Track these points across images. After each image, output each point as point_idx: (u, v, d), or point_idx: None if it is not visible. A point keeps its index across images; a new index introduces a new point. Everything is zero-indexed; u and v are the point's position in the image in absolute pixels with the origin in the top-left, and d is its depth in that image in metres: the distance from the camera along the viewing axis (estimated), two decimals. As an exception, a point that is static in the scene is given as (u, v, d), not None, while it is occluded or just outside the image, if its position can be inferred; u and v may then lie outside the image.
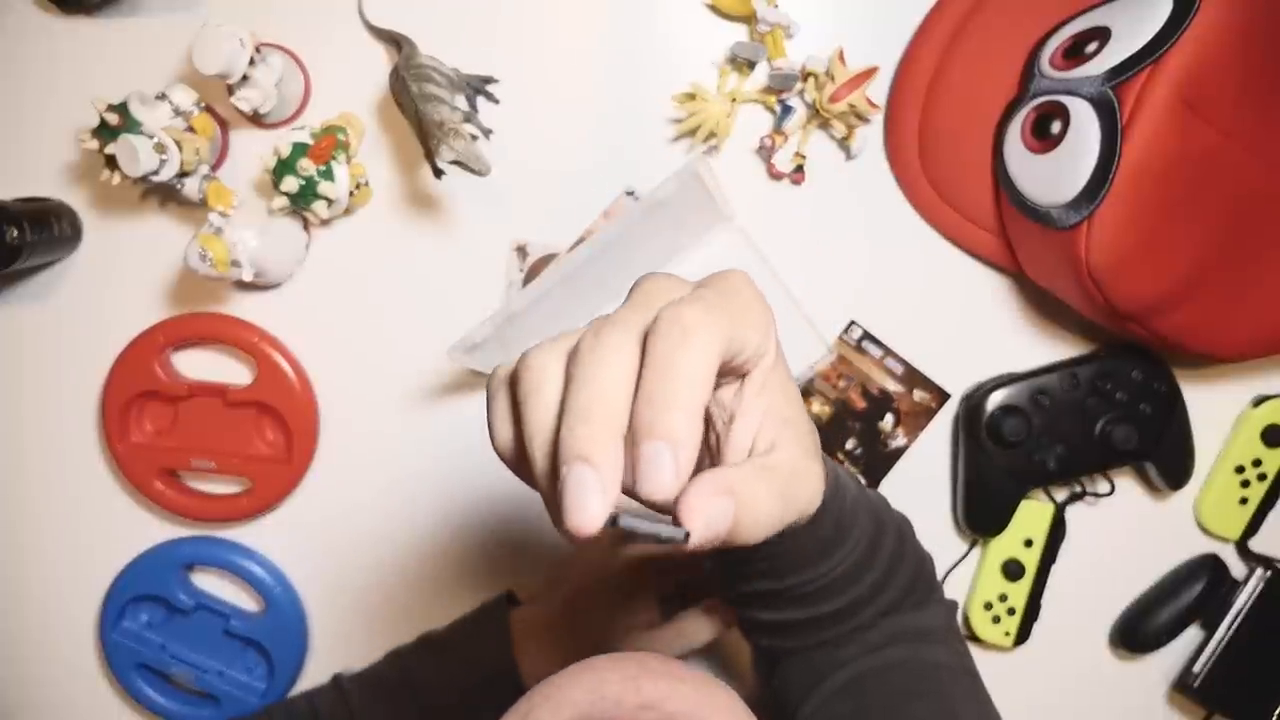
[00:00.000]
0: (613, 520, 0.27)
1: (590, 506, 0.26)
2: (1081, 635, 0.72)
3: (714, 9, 0.65)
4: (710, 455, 0.36)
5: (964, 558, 0.71)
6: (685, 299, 0.29)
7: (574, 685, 0.33)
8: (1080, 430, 0.65)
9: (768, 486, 0.30)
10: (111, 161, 0.61)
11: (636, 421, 0.27)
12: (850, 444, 0.69)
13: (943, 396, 0.68)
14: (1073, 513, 0.70)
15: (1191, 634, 0.70)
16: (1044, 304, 0.67)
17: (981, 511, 0.68)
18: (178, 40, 0.66)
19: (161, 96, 0.62)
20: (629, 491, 0.28)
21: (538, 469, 0.29)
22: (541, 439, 0.29)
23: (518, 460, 0.31)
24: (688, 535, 0.27)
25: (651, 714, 0.31)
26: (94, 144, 0.61)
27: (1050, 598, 0.69)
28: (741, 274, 0.32)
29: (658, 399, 0.27)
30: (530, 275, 0.67)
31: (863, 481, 0.69)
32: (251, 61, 0.61)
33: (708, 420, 0.35)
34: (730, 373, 0.33)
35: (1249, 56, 0.55)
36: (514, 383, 0.30)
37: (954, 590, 0.70)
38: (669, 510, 0.28)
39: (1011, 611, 0.69)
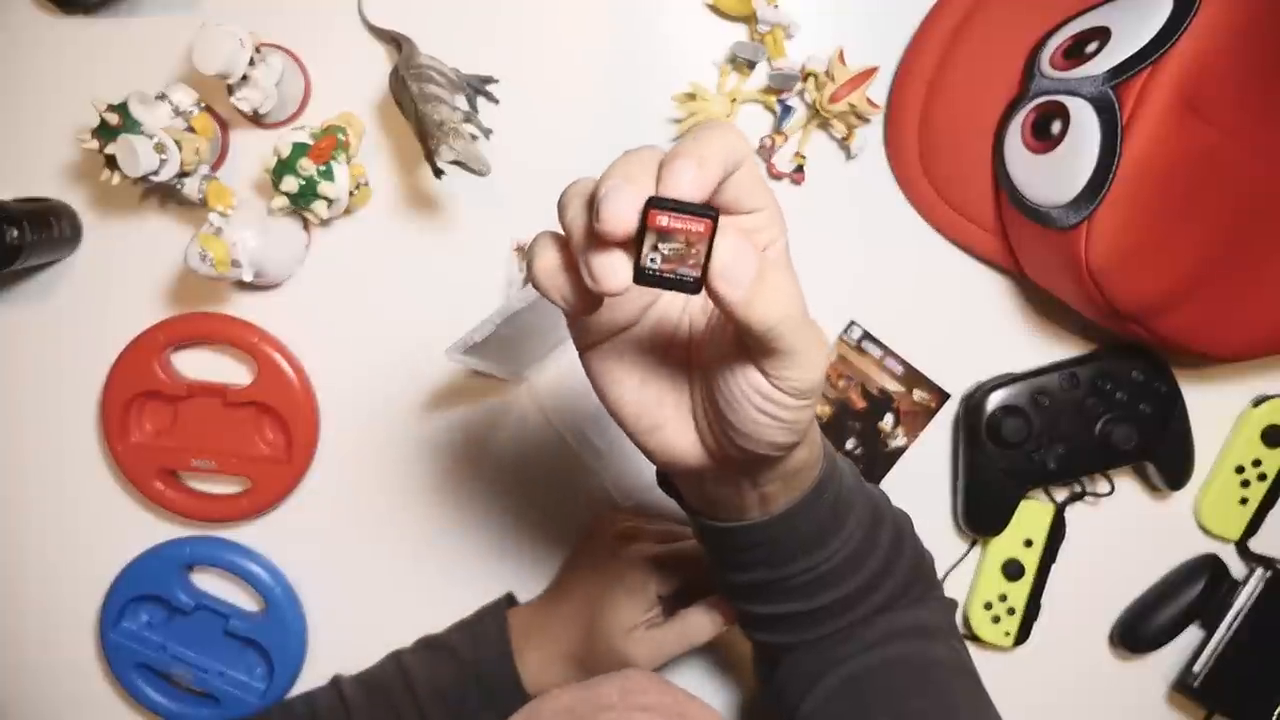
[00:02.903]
0: (647, 208, 0.29)
1: (623, 196, 0.29)
2: (1081, 635, 0.72)
3: (714, 9, 0.65)
4: None
5: (964, 558, 0.71)
6: None
7: (573, 695, 0.34)
8: (1080, 430, 0.65)
9: (789, 279, 0.32)
10: (111, 161, 0.61)
11: (666, 155, 0.30)
12: (850, 444, 0.69)
13: (943, 396, 0.68)
14: (1073, 513, 0.70)
15: (1191, 634, 0.70)
16: (1044, 304, 0.67)
17: (981, 511, 0.68)
18: (178, 40, 0.66)
19: (161, 96, 0.62)
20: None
21: (576, 231, 0.32)
22: (579, 208, 0.32)
23: (559, 266, 0.33)
24: (717, 215, 0.29)
25: (647, 716, 0.33)
26: (94, 144, 0.61)
27: (1050, 598, 0.69)
28: None
29: (687, 141, 0.30)
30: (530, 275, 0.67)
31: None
32: (251, 61, 0.61)
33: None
34: None
35: (1249, 56, 0.55)
36: (559, 204, 0.33)
37: (954, 590, 0.70)
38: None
39: (1011, 611, 0.69)
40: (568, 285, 0.33)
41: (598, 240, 0.30)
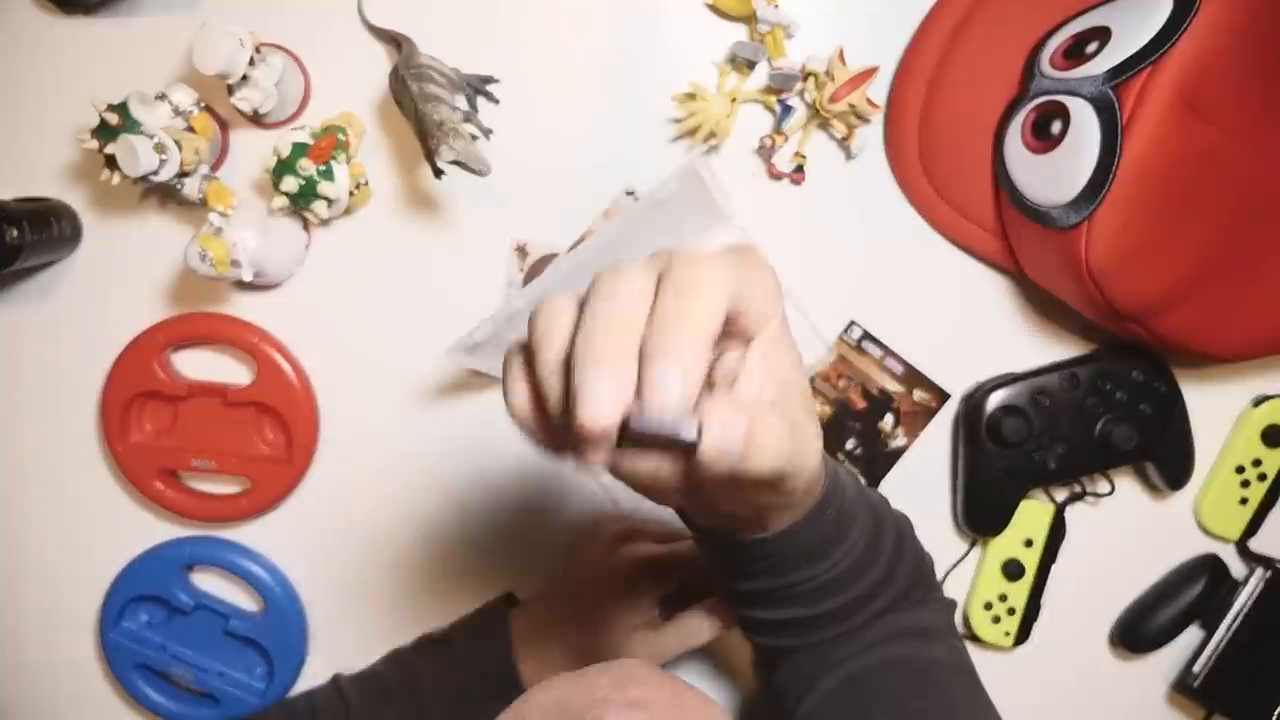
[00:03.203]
0: (623, 428, 0.28)
1: (603, 399, 0.27)
2: (1081, 635, 0.72)
3: (714, 9, 0.65)
4: None
5: (964, 558, 0.71)
6: (698, 252, 0.31)
7: (564, 687, 0.34)
8: (1080, 430, 0.65)
9: (779, 422, 0.30)
10: (111, 161, 0.61)
11: (647, 347, 0.28)
12: (850, 444, 0.69)
13: (943, 396, 0.68)
14: (1073, 513, 0.70)
15: (1191, 634, 0.70)
16: (1044, 304, 0.67)
17: (981, 511, 0.68)
18: (178, 40, 0.66)
19: (161, 96, 0.62)
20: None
21: (552, 397, 0.30)
22: (555, 364, 0.30)
23: (534, 413, 0.31)
24: (700, 433, 0.28)
25: (637, 713, 0.33)
26: (94, 144, 0.61)
27: (1050, 598, 0.69)
28: (755, 246, 0.33)
29: (669, 325, 0.28)
30: (530, 275, 0.67)
31: (862, 481, 0.69)
32: (251, 61, 0.61)
33: (710, 383, 0.36)
34: (736, 334, 0.33)
35: (1249, 56, 0.55)
36: (530, 332, 0.31)
37: (954, 590, 0.70)
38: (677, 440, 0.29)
39: (1011, 611, 0.69)
40: (544, 432, 0.32)
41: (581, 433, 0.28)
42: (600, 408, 0.27)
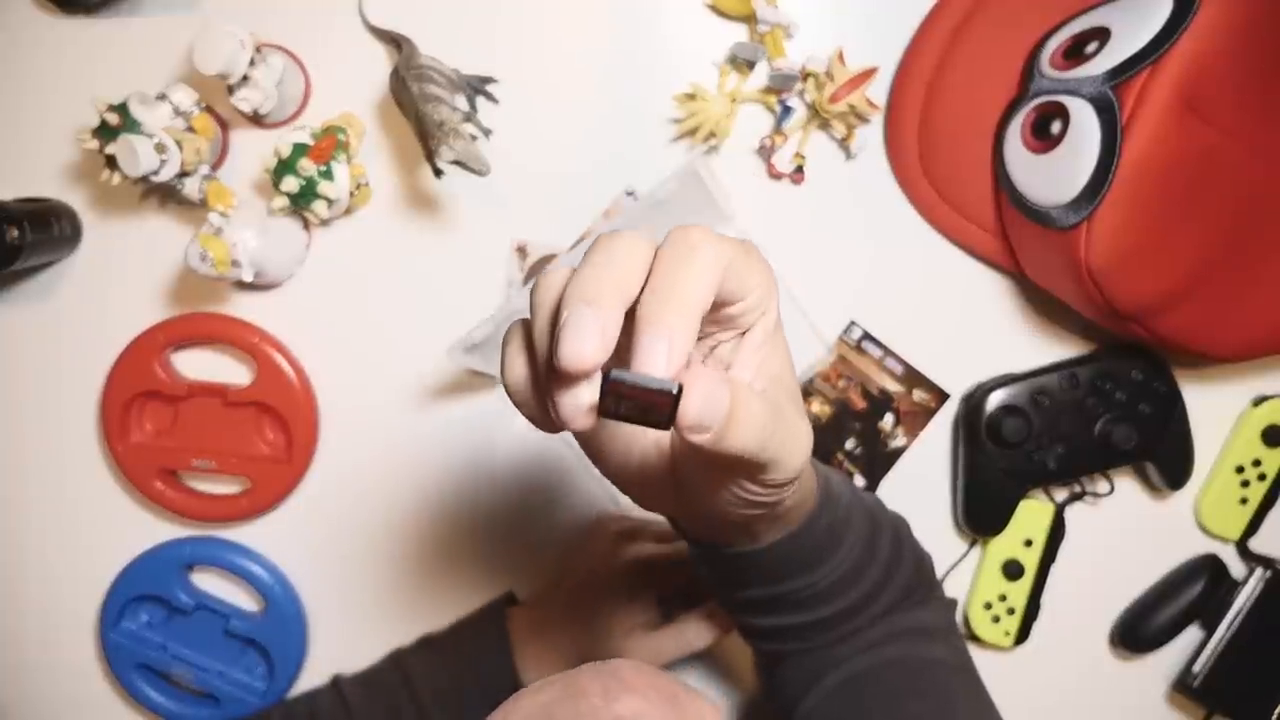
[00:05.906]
0: (605, 376, 0.28)
1: (587, 339, 0.27)
2: (1081, 635, 0.72)
3: (714, 9, 0.65)
4: None
5: (964, 558, 0.71)
6: (698, 226, 0.31)
7: (552, 691, 0.33)
8: (1080, 430, 0.65)
9: (761, 402, 0.31)
10: (111, 161, 0.61)
11: (639, 313, 0.29)
12: (850, 444, 0.69)
13: (943, 396, 0.68)
14: (1073, 513, 0.70)
15: (1191, 634, 0.70)
16: (1044, 304, 0.67)
17: (981, 511, 0.68)
18: (178, 40, 0.66)
19: (161, 96, 0.62)
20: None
21: (542, 351, 0.30)
22: (547, 320, 0.30)
23: (528, 382, 0.32)
24: (680, 390, 0.28)
25: None
26: (94, 144, 0.61)
27: (1050, 598, 0.69)
28: (753, 243, 0.33)
29: (661, 293, 0.29)
30: (530, 275, 0.67)
31: (859, 482, 0.69)
32: (252, 61, 0.61)
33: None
34: (731, 324, 0.34)
35: (1249, 56, 0.55)
36: (531, 303, 0.32)
37: (954, 590, 0.70)
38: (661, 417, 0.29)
39: (1011, 611, 0.69)
40: (535, 405, 0.32)
41: (560, 372, 0.28)
42: (582, 344, 0.27)
